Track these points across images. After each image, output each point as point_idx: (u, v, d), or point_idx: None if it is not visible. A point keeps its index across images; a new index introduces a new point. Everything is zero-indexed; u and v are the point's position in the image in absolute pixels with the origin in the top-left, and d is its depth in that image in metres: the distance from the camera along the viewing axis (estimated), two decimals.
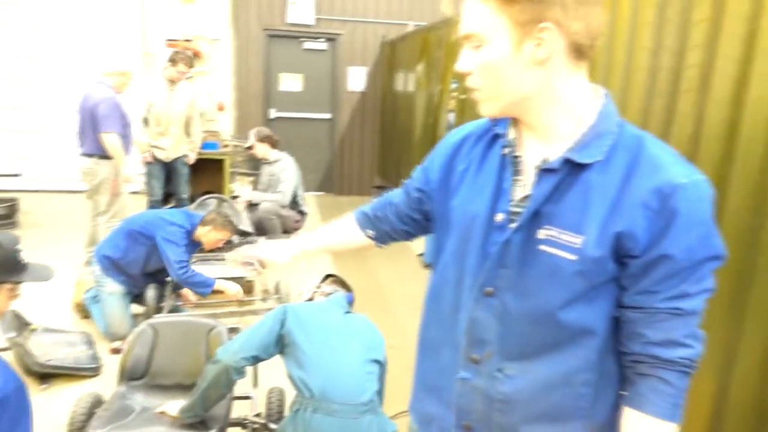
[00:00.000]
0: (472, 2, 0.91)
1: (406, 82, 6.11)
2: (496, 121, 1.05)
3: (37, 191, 6.22)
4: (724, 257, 0.92)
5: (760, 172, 1.64)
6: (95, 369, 3.01)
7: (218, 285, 3.38)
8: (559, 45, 0.89)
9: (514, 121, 1.01)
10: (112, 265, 3.36)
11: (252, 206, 4.99)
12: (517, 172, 1.00)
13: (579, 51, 0.91)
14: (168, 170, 5.27)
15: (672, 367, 0.93)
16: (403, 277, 4.77)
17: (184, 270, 3.26)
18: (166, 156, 5.14)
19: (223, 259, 4.11)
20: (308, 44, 7.32)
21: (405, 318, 3.95)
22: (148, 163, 5.12)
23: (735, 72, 1.70)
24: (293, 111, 7.53)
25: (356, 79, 7.49)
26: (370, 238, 1.33)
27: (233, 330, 2.88)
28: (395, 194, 1.32)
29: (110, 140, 4.10)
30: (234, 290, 3.45)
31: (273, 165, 5.08)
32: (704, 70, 1.81)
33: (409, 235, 1.32)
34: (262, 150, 5.09)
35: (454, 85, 4.54)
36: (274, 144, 5.12)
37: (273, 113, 7.44)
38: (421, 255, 5.17)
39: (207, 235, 3.43)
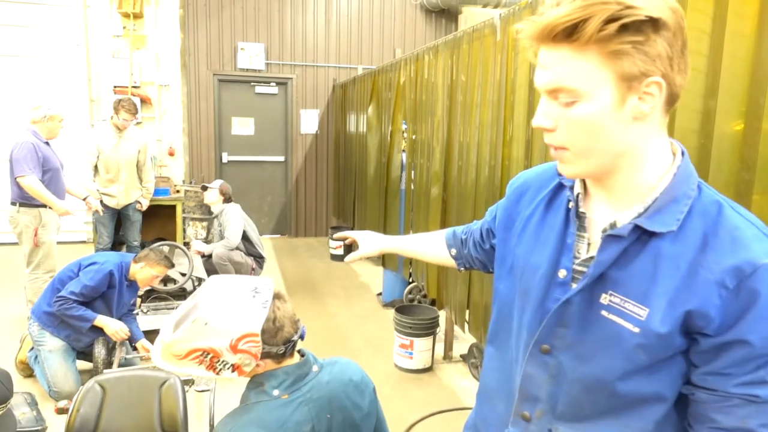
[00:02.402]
0: (563, 55, 0.81)
1: (358, 123, 6.21)
2: None
3: None
4: None
5: None
6: None
7: (99, 321, 3.22)
8: (662, 99, 0.82)
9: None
10: (54, 321, 3.24)
11: (207, 256, 4.96)
12: (581, 228, 0.94)
13: (671, 104, 0.85)
14: (118, 217, 5.14)
15: None
16: (362, 317, 4.74)
17: (60, 303, 3.14)
18: (117, 203, 5.03)
19: (173, 308, 4.01)
20: (259, 88, 7.37)
21: (367, 360, 3.91)
22: (96, 211, 4.98)
23: None
24: (246, 154, 7.50)
25: (309, 122, 7.56)
26: (453, 257, 1.36)
27: (187, 382, 2.78)
28: (480, 221, 1.31)
29: (27, 183, 3.96)
30: (114, 328, 3.25)
31: (219, 216, 5.16)
32: None
33: (483, 266, 1.30)
34: (215, 198, 5.15)
35: (404, 126, 4.64)
36: (227, 200, 5.22)
37: (226, 157, 7.39)
38: (380, 294, 5.16)
39: (141, 272, 3.34)
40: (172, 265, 3.50)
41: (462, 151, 3.47)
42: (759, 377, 0.80)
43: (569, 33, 0.78)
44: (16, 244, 4.37)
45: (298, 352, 1.57)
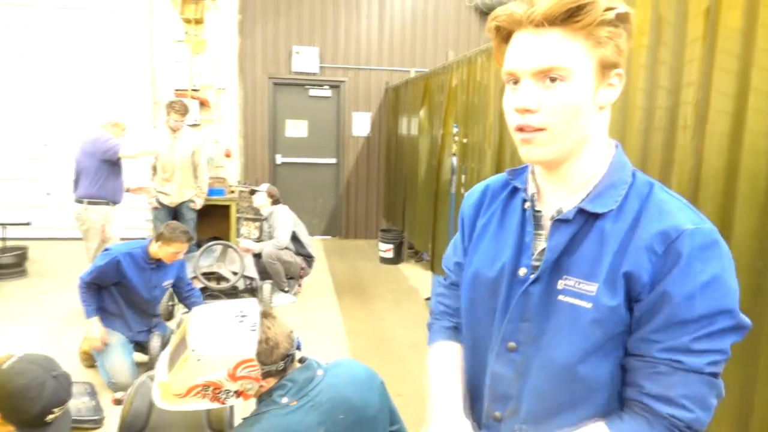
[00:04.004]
0: (555, 37, 0.85)
1: (409, 126, 6.18)
2: (513, 176, 1.06)
3: (46, 239, 6.28)
4: (738, 319, 0.85)
5: (764, 207, 1.62)
6: (97, 421, 2.95)
7: (90, 320, 3.33)
8: (620, 90, 0.90)
9: (533, 175, 1.01)
10: (102, 314, 3.39)
11: (257, 256, 5.07)
12: (538, 227, 0.99)
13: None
14: (174, 215, 5.34)
15: (660, 422, 0.86)
16: (409, 321, 4.70)
17: (79, 284, 3.30)
18: (171, 201, 5.24)
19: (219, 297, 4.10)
20: (313, 91, 7.47)
21: (413, 365, 3.87)
22: (154, 209, 5.25)
23: (730, 107, 1.70)
24: (299, 156, 7.62)
25: (361, 124, 7.60)
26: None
27: None
28: (447, 299, 1.22)
29: (125, 153, 4.21)
30: (90, 335, 3.32)
31: (269, 218, 5.27)
32: (699, 106, 1.82)
33: None
34: (263, 201, 5.30)
35: (455, 129, 4.58)
36: (275, 202, 5.33)
37: (279, 159, 7.53)
38: (428, 299, 5.11)
39: (160, 251, 3.41)
40: (191, 239, 3.54)
41: (514, 155, 3.39)
42: (683, 343, 0.84)
43: (570, 15, 0.84)
44: (81, 239, 4.60)
45: (299, 360, 1.56)
